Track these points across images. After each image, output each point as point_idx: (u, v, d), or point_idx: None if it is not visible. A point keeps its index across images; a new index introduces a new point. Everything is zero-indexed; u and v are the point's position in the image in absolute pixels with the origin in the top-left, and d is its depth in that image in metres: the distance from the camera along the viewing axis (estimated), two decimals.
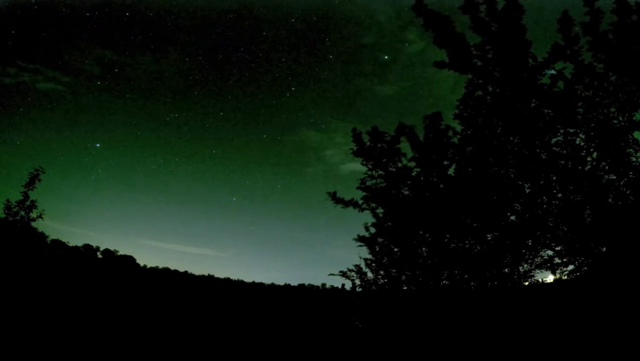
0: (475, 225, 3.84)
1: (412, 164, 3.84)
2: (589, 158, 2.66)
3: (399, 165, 3.84)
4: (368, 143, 3.80)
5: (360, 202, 4.31)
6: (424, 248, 5.22)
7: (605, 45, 2.41)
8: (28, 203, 7.26)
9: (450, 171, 3.72)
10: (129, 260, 74.74)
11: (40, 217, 7.41)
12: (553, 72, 2.59)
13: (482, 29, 2.49)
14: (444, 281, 5.13)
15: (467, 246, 4.28)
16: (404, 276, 6.76)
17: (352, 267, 10.89)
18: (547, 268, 3.73)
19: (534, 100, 2.65)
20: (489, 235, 3.90)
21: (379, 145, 3.75)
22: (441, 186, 3.75)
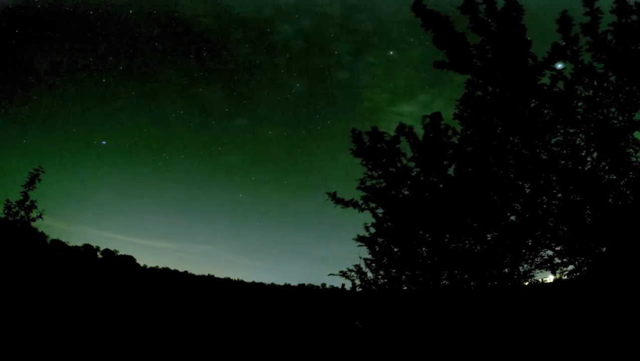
0: (475, 225, 3.84)
1: (412, 164, 3.83)
2: (589, 158, 2.66)
3: (399, 165, 3.84)
4: (367, 144, 3.80)
5: (360, 202, 4.30)
6: (424, 248, 5.21)
7: (605, 46, 2.40)
8: (28, 203, 7.26)
9: (450, 171, 3.72)
10: (129, 260, 74.69)
11: (40, 216, 7.41)
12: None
13: (482, 29, 2.49)
14: (444, 281, 5.13)
15: (467, 246, 4.28)
16: (404, 276, 6.75)
17: (352, 267, 10.86)
18: (547, 268, 3.73)
19: (533, 100, 2.65)
20: (489, 235, 3.90)
21: (379, 145, 3.75)
22: (441, 186, 3.74)
